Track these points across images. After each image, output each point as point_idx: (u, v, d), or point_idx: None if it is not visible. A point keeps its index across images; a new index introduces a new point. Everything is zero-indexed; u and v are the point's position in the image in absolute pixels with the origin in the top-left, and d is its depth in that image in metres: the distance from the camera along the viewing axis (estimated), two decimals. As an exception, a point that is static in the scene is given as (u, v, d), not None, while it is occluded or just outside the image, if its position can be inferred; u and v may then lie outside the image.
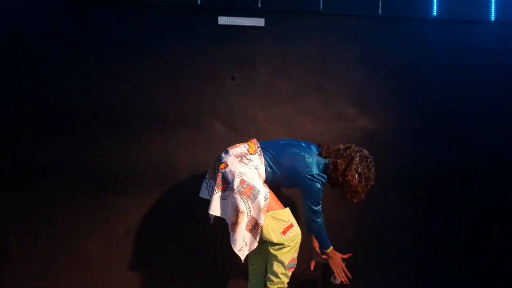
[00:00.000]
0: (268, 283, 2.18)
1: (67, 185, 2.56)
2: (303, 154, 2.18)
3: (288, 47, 2.75)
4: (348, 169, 2.13)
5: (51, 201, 2.55)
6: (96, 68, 2.60)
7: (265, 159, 2.18)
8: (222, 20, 2.67)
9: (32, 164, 2.54)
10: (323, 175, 2.15)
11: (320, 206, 2.17)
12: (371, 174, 2.17)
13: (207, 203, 2.16)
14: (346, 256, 2.34)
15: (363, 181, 2.14)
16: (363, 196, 2.19)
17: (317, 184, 2.12)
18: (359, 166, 2.14)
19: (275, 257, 2.11)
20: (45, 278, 2.54)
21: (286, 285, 2.18)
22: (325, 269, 2.35)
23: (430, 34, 2.85)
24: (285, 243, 2.10)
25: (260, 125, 2.72)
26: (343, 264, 2.34)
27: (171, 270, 2.64)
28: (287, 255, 2.11)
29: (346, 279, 2.33)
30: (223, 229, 2.22)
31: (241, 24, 2.69)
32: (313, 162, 2.16)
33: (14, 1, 2.51)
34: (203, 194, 2.28)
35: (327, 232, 2.25)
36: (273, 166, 2.18)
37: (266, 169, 2.17)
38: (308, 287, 2.65)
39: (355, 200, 2.18)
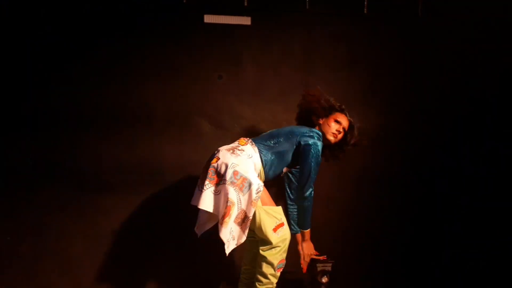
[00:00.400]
0: (256, 283, 2.18)
1: (52, 185, 2.53)
2: (293, 126, 2.31)
3: (275, 46, 2.75)
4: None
5: (36, 201, 2.52)
6: (82, 68, 2.56)
7: (257, 146, 2.18)
8: (208, 18, 2.66)
9: (17, 164, 2.50)
10: (317, 130, 2.27)
11: (315, 177, 2.19)
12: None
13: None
14: (317, 253, 2.39)
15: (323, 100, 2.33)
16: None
17: (317, 142, 2.18)
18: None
19: (264, 258, 2.11)
20: (30, 279, 2.50)
21: (275, 285, 2.19)
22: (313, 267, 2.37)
23: (416, 33, 2.87)
24: (274, 243, 2.10)
25: (248, 124, 2.72)
26: (313, 254, 2.38)
27: (159, 270, 2.63)
28: (276, 256, 2.11)
29: (305, 268, 2.38)
30: (213, 227, 2.21)
31: (228, 22, 2.68)
32: (303, 127, 2.28)
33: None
34: (195, 201, 2.11)
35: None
36: (270, 143, 2.20)
37: (261, 154, 2.16)
38: (295, 285, 2.67)
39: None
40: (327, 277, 2.43)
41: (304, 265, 2.38)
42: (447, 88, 2.90)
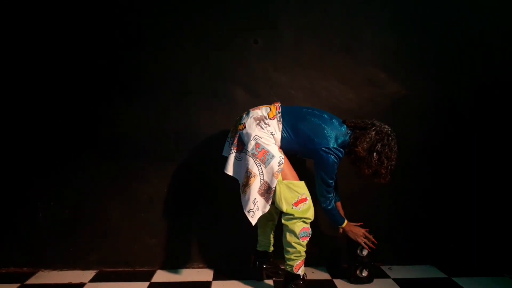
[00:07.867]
0: (284, 255, 2.18)
1: (90, 153, 2.57)
2: (323, 125, 2.11)
3: (314, 7, 2.57)
4: (367, 148, 2.04)
5: (76, 169, 2.57)
6: (115, 34, 2.52)
7: (283, 125, 2.13)
8: (244, -22, 2.51)
9: (56, 132, 2.54)
10: (340, 149, 2.09)
11: (333, 181, 2.14)
12: (392, 154, 2.06)
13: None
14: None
15: (385, 161, 2.04)
16: (389, 176, 2.09)
17: (332, 157, 2.07)
18: (378, 145, 2.04)
19: (286, 227, 2.13)
20: (70, 244, 2.60)
21: (304, 254, 2.16)
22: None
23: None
24: (295, 215, 2.08)
25: (284, 92, 2.60)
26: (364, 231, 2.34)
27: (193, 237, 2.66)
28: (297, 224, 2.09)
29: (372, 245, 2.34)
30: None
31: (264, -18, 2.52)
32: (332, 135, 2.09)
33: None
34: (225, 152, 2.28)
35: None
36: (291, 134, 2.12)
37: (282, 136, 2.12)
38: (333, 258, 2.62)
39: (383, 181, 2.10)
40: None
41: (364, 244, 2.34)
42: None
